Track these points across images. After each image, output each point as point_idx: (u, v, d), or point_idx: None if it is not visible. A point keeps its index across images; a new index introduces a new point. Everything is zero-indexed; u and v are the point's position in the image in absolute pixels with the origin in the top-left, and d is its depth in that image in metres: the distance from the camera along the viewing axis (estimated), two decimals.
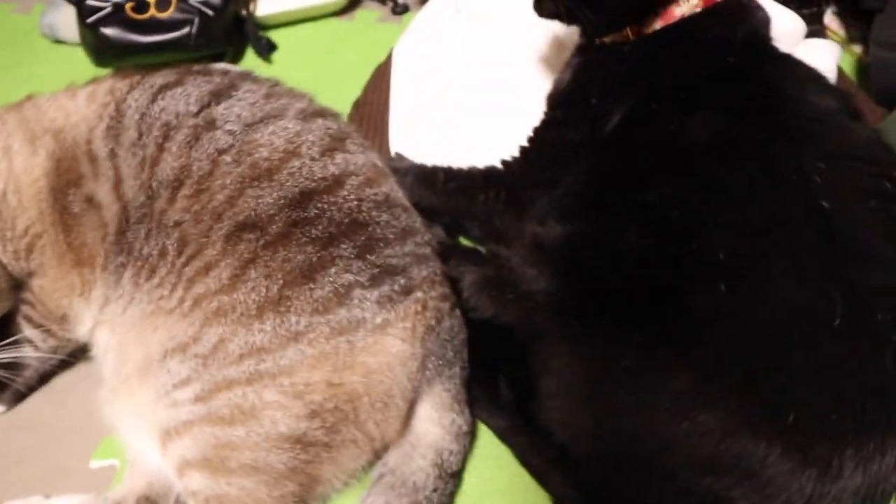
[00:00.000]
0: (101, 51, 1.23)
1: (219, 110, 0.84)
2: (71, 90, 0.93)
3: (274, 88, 0.90)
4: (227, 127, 0.82)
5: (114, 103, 0.88)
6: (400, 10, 1.35)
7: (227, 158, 0.81)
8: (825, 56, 1.11)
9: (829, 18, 1.27)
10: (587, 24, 0.87)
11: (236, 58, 1.31)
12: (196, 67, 0.93)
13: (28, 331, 0.88)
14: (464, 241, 1.00)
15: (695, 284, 0.73)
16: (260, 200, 0.78)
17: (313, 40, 1.33)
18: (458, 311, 0.83)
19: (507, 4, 1.13)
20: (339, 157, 0.83)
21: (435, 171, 0.98)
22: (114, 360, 0.82)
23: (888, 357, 0.67)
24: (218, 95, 0.85)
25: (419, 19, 1.18)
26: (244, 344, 0.71)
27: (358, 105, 1.15)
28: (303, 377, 0.71)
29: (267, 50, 1.29)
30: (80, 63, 1.29)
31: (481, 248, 0.97)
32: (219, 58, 1.29)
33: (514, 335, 0.83)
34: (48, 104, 0.91)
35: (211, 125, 0.83)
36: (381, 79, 1.15)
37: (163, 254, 0.79)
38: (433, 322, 0.78)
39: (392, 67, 1.14)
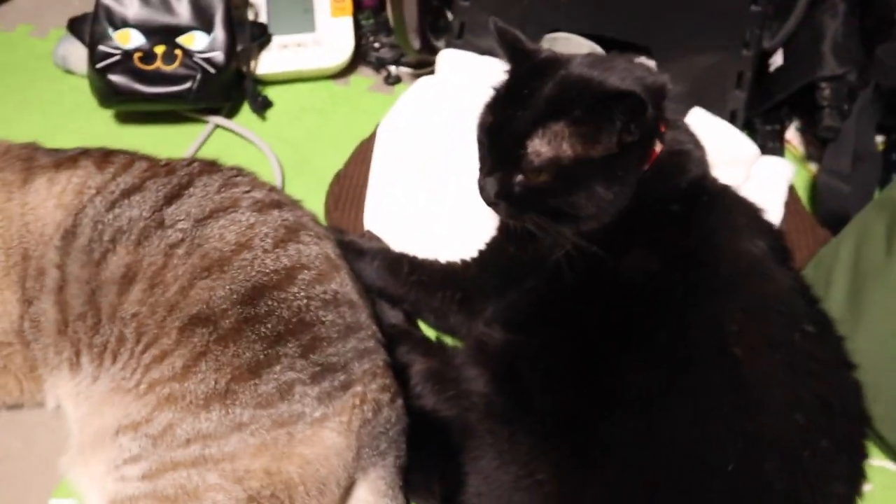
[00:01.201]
0: (107, 95, 1.30)
1: (168, 211, 0.90)
2: (50, 172, 0.96)
3: (233, 179, 0.95)
4: (178, 225, 0.88)
5: (72, 216, 0.92)
6: (392, 81, 1.42)
7: (180, 251, 0.87)
8: (778, 176, 1.18)
9: (792, 134, 1.34)
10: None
11: (232, 112, 1.37)
12: (163, 163, 0.98)
13: None
14: (422, 326, 1.08)
15: (611, 413, 0.81)
16: (212, 293, 0.84)
17: (308, 100, 1.39)
18: (398, 401, 0.89)
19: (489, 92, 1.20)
20: (292, 249, 0.88)
21: (401, 260, 1.05)
22: (77, 427, 0.89)
23: None
24: (170, 197, 0.91)
25: (405, 99, 1.24)
26: (191, 430, 0.78)
27: (339, 177, 1.21)
28: (244, 464, 0.77)
29: (262, 107, 1.36)
30: (87, 95, 1.35)
31: (433, 338, 1.04)
32: (215, 111, 1.36)
33: (451, 430, 0.91)
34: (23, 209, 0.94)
35: (160, 224, 0.89)
36: (363, 154, 1.22)
37: (121, 340, 0.85)
38: (370, 415, 0.84)
39: (375, 144, 1.21)
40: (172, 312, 0.84)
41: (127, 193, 0.92)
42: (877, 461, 0.99)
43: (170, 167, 0.97)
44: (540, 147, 0.84)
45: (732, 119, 1.19)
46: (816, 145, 1.31)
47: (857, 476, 0.83)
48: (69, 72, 1.44)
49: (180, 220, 0.89)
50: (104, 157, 0.99)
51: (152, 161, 1.00)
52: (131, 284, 0.86)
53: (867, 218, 1.01)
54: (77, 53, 1.40)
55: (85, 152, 1.00)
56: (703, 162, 0.93)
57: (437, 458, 0.91)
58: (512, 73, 0.91)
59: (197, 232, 0.88)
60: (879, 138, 1.27)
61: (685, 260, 0.86)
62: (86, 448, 0.84)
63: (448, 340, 1.04)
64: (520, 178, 0.86)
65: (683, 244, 0.87)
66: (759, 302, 0.84)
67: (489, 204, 0.90)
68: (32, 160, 0.98)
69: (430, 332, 1.07)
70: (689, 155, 0.92)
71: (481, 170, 0.91)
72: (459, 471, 0.88)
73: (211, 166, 0.98)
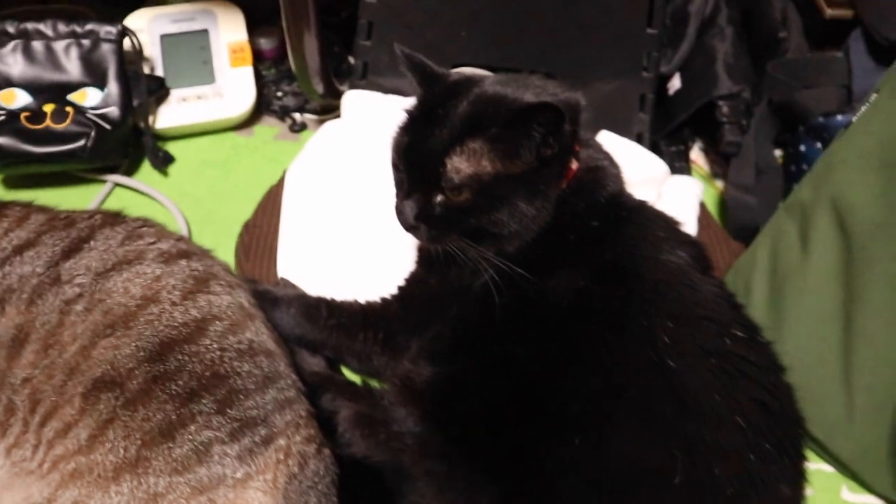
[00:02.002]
0: None
1: (66, 266, 0.83)
2: None
3: (138, 230, 0.90)
4: (77, 280, 0.82)
5: None
6: (298, 129, 1.39)
7: (78, 307, 0.80)
8: (688, 193, 1.20)
9: (696, 154, 1.38)
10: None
11: (131, 169, 1.31)
12: (63, 216, 0.91)
13: None
14: (345, 371, 1.03)
15: (551, 437, 0.78)
16: (117, 352, 0.77)
17: (210, 153, 1.35)
18: (325, 451, 0.83)
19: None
20: (202, 300, 0.83)
21: (318, 304, 1.00)
22: None
23: None
24: (68, 252, 0.85)
25: (312, 143, 1.22)
26: None
27: (248, 227, 1.17)
28: None
29: (163, 162, 1.30)
30: None
31: (358, 382, 1.00)
32: (113, 169, 1.29)
33: (384, 475, 0.86)
34: None
35: (56, 281, 0.82)
36: (272, 202, 1.18)
37: (10, 410, 0.77)
38: (296, 469, 0.78)
39: (284, 190, 1.17)
40: (73, 376, 0.77)
41: (19, 250, 0.85)
42: (813, 465, 0.99)
43: (69, 219, 0.90)
44: (459, 164, 0.82)
45: (639, 141, 1.21)
46: (720, 163, 1.35)
47: (799, 477, 0.82)
48: None
49: (79, 275, 0.82)
50: None
51: (50, 213, 0.92)
52: (22, 347, 0.79)
53: (779, 223, 1.04)
54: None
55: None
56: (619, 178, 0.93)
57: None
58: (424, 95, 0.89)
59: (98, 286, 0.82)
60: (778, 153, 1.32)
61: (610, 275, 0.85)
62: None
63: (374, 384, 0.99)
64: (440, 198, 0.84)
65: (607, 259, 0.86)
66: (687, 311, 0.83)
67: (408, 228, 0.87)
68: None
69: (353, 378, 1.02)
70: (606, 171, 0.92)
71: (398, 194, 0.89)
72: None
73: (114, 218, 0.92)
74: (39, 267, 0.84)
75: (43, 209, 0.94)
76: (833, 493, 0.99)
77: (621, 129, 1.19)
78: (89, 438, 0.73)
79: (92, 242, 0.86)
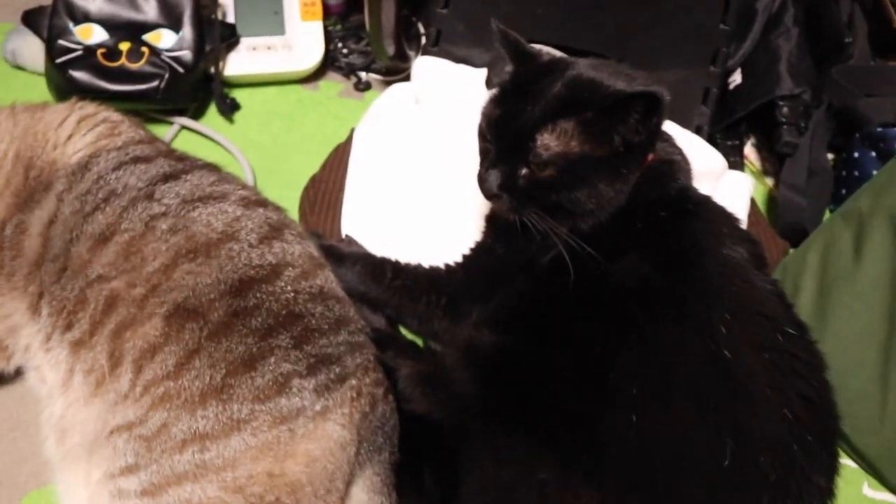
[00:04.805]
0: (68, 92, 1.23)
1: (161, 187, 0.90)
2: (67, 120, 0.99)
3: (227, 177, 0.96)
4: (165, 200, 0.88)
5: (88, 156, 0.94)
6: (362, 88, 1.42)
7: (163, 226, 0.86)
8: (740, 188, 1.23)
9: (749, 150, 1.40)
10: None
11: (198, 113, 1.34)
12: (177, 152, 0.99)
13: None
14: (405, 331, 1.07)
15: (609, 413, 0.82)
16: (198, 280, 0.82)
17: (276, 105, 1.37)
18: (390, 397, 0.89)
19: (463, 104, 1.20)
20: (276, 247, 0.88)
21: (383, 264, 1.04)
22: (56, 424, 0.84)
23: (765, 497, 0.78)
24: (167, 176, 0.91)
25: (379, 104, 1.24)
26: (187, 429, 0.76)
27: (315, 181, 1.20)
28: (245, 470, 0.75)
29: (230, 109, 1.33)
30: (40, 92, 1.29)
31: (418, 341, 1.04)
32: (182, 112, 1.32)
33: (443, 432, 0.91)
34: (46, 127, 0.98)
35: (149, 197, 0.89)
36: (339, 158, 1.21)
37: (80, 302, 0.83)
38: (367, 408, 0.84)
39: (351, 149, 1.20)
40: (155, 293, 0.82)
41: (136, 160, 0.93)
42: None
43: (180, 155, 0.98)
44: (548, 141, 0.86)
45: (698, 133, 1.23)
46: (771, 161, 1.38)
47: (834, 470, 0.87)
48: (19, 67, 1.38)
49: (168, 197, 0.89)
50: (140, 122, 1.04)
51: (170, 148, 1.03)
52: (105, 244, 0.85)
53: (833, 228, 1.07)
54: (30, 48, 1.34)
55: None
56: (688, 173, 0.97)
57: (430, 460, 0.91)
58: (516, 71, 0.92)
59: (183, 212, 0.87)
60: (830, 156, 1.34)
61: (674, 264, 0.89)
62: (76, 450, 0.80)
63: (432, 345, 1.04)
64: (525, 171, 0.88)
65: (672, 249, 0.90)
66: (744, 305, 0.87)
67: (490, 196, 0.91)
68: None
69: (412, 338, 1.06)
70: (678, 165, 0.95)
71: (482, 163, 0.92)
72: (455, 472, 0.87)
73: (213, 166, 0.99)
74: (142, 182, 0.90)
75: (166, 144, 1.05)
76: (855, 487, 1.05)
77: (681, 120, 1.21)
78: (177, 365, 0.78)
79: (188, 175, 0.92)
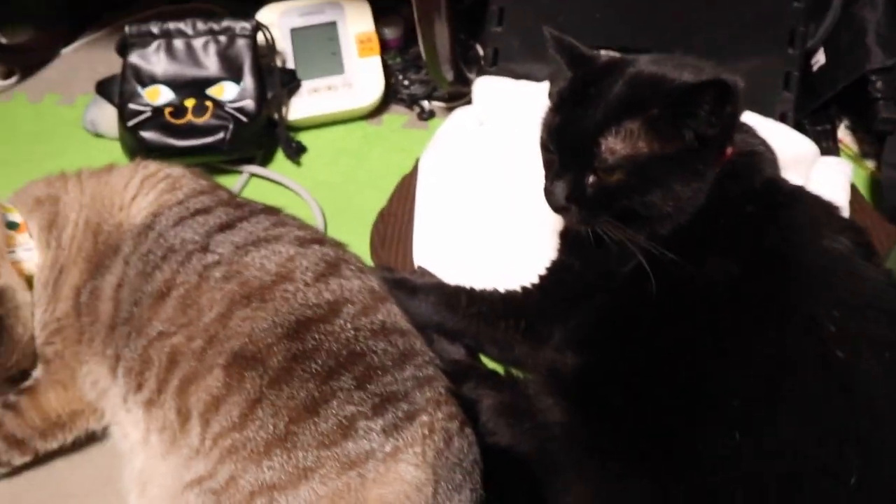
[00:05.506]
0: (140, 152, 1.26)
1: (217, 238, 0.90)
2: (132, 181, 1.01)
3: (285, 219, 0.96)
4: (219, 249, 0.88)
5: (151, 214, 0.95)
6: (426, 117, 1.40)
7: (217, 274, 0.85)
8: (838, 175, 1.14)
9: (843, 133, 1.30)
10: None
11: (266, 159, 1.35)
12: (239, 199, 1.01)
13: None
14: (485, 359, 1.02)
15: (709, 431, 0.75)
16: (254, 325, 0.81)
17: (342, 143, 1.37)
18: (467, 430, 0.83)
19: (528, 120, 1.16)
20: (333, 283, 0.86)
21: (458, 292, 1.01)
22: (137, 478, 0.84)
23: None
24: (224, 226, 0.91)
25: (443, 130, 1.22)
26: (254, 481, 0.73)
27: (383, 215, 1.18)
28: None
29: (296, 153, 1.33)
30: (118, 156, 1.34)
31: (500, 369, 0.99)
32: (249, 160, 1.33)
33: (531, 465, 0.85)
34: (112, 191, 1.00)
35: (204, 249, 0.88)
36: (406, 190, 1.19)
37: (146, 362, 0.83)
38: (442, 444, 0.79)
39: (417, 179, 1.18)
40: (212, 344, 0.81)
41: (196, 213, 0.94)
42: None
43: (240, 203, 0.99)
44: (614, 145, 0.81)
45: (783, 121, 1.15)
46: (870, 142, 1.28)
47: None
48: (99, 135, 1.43)
49: (222, 246, 0.89)
50: (202, 172, 1.05)
51: (231, 195, 1.04)
52: (164, 301, 0.85)
53: None
54: (106, 116, 1.39)
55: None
56: (774, 163, 0.90)
57: (518, 497, 0.85)
58: (574, 77, 0.88)
59: (236, 258, 0.87)
60: None
61: (767, 262, 0.81)
62: (155, 500, 0.80)
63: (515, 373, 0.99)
64: (592, 178, 0.83)
65: (764, 245, 0.82)
66: (854, 300, 0.78)
67: (558, 209, 0.86)
68: None
69: (493, 366, 1.01)
70: (762, 156, 0.88)
71: (547, 175, 0.88)
72: None
73: (273, 210, 0.98)
74: (198, 235, 0.90)
75: (227, 190, 1.05)
76: None
77: (763, 110, 1.13)
78: (241, 416, 0.77)
79: (244, 223, 0.92)
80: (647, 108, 0.80)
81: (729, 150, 0.85)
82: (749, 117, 1.09)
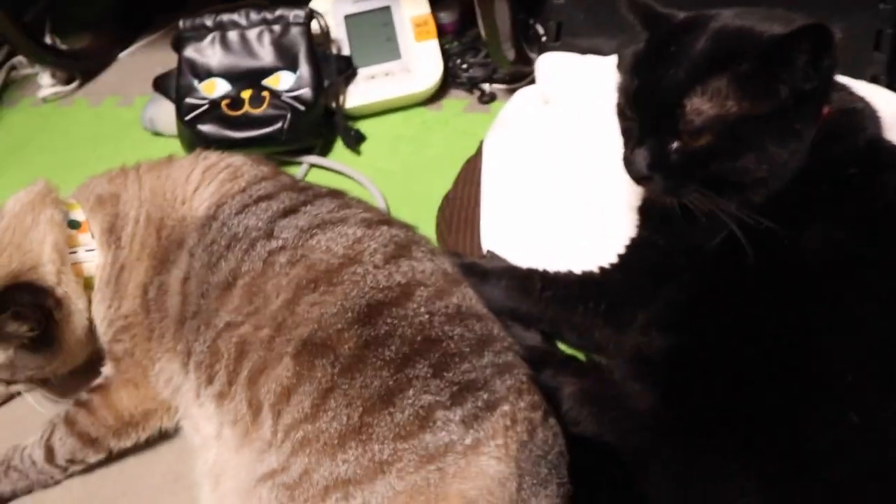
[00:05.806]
0: (198, 145, 1.24)
1: (281, 223, 0.86)
2: (193, 173, 0.99)
3: (350, 201, 0.92)
4: (283, 235, 0.85)
5: (213, 205, 0.93)
6: (487, 100, 1.35)
7: (281, 260, 0.82)
8: None
9: None
10: None
11: (325, 149, 1.32)
12: (302, 183, 0.98)
13: (59, 438, 0.91)
14: (561, 346, 0.97)
15: (820, 416, 0.68)
16: (323, 310, 0.77)
17: (402, 130, 1.34)
18: (551, 420, 0.77)
19: (595, 96, 1.11)
20: (405, 265, 0.81)
21: (531, 275, 0.95)
22: (210, 471, 0.82)
23: None
24: (287, 211, 0.88)
25: (506, 111, 1.17)
26: (328, 475, 0.69)
27: (449, 200, 1.14)
28: None
29: (355, 142, 1.30)
30: (179, 152, 1.32)
31: (579, 356, 0.94)
32: (308, 150, 1.30)
33: (620, 455, 0.79)
34: (173, 184, 0.98)
35: (269, 235, 0.85)
36: (471, 173, 1.14)
37: (215, 354, 0.80)
38: (525, 436, 0.73)
39: (482, 161, 1.13)
40: (281, 332, 0.77)
41: (259, 200, 0.91)
42: None
43: (303, 187, 0.97)
44: (700, 105, 0.74)
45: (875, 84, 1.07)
46: None
47: None
48: (158, 133, 1.43)
49: (287, 230, 0.85)
50: (263, 158, 1.03)
51: (294, 180, 1.02)
52: (230, 290, 0.82)
53: None
54: (164, 113, 1.39)
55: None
56: (878, 121, 0.82)
57: (607, 489, 0.79)
58: (650, 37, 0.82)
59: (301, 242, 0.83)
60: None
61: (873, 225, 0.75)
62: (228, 497, 0.77)
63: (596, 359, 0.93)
64: (676, 144, 0.76)
65: (869, 209, 0.75)
66: None
67: (640, 179, 0.80)
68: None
69: (573, 353, 0.96)
70: (863, 113, 0.81)
71: (627, 143, 0.82)
72: (637, 501, 0.76)
73: (337, 192, 0.95)
74: (262, 221, 0.87)
75: (288, 175, 1.03)
76: None
77: (852, 72, 1.05)
78: (312, 406, 0.73)
79: (309, 206, 0.88)
80: (736, 64, 0.73)
81: (826, 109, 0.78)
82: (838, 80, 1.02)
